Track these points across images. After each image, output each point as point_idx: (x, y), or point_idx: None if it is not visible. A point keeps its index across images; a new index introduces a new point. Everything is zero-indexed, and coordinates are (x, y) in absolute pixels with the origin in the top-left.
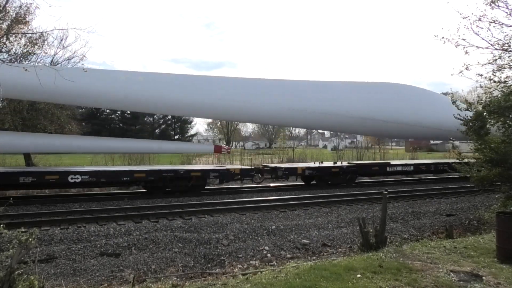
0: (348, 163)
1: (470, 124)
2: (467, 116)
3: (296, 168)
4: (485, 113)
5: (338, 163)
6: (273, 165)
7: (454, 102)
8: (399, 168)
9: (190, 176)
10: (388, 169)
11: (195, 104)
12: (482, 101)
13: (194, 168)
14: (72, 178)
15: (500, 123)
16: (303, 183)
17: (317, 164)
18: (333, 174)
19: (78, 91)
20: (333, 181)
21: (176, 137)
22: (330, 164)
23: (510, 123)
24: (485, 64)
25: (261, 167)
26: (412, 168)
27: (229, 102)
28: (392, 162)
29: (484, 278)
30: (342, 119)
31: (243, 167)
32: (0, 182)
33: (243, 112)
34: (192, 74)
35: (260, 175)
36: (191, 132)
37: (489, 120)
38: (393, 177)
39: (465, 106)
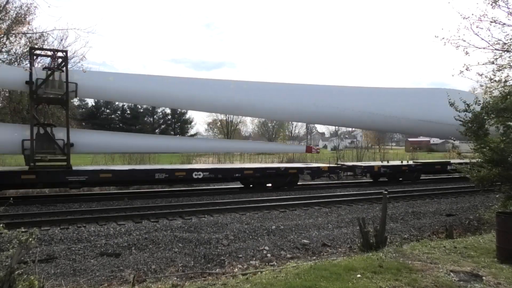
0: (414, 162)
1: (469, 124)
2: (466, 117)
3: (373, 166)
4: (483, 114)
5: (405, 162)
6: (351, 163)
7: (452, 104)
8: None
9: (288, 173)
10: (448, 167)
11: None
12: (479, 102)
13: (291, 166)
14: (195, 175)
15: (499, 123)
16: (372, 180)
17: (388, 163)
18: (403, 172)
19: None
20: (403, 178)
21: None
22: (400, 163)
23: (509, 123)
24: (486, 63)
25: (340, 165)
26: (469, 166)
27: (308, 107)
28: (452, 161)
29: (484, 278)
30: (406, 122)
31: (331, 165)
32: (140, 178)
33: (329, 116)
34: (286, 83)
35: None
36: (191, 132)
37: (488, 121)
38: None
39: (463, 107)
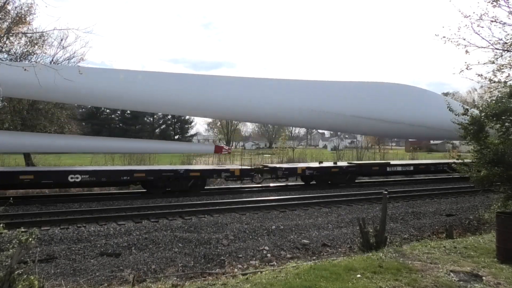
0: (348, 163)
1: (469, 128)
2: (465, 120)
3: (296, 168)
4: (482, 117)
5: (338, 163)
6: (272, 165)
7: (451, 110)
8: (399, 168)
9: (190, 176)
10: (388, 169)
11: (199, 103)
12: (478, 104)
13: (193, 168)
14: (72, 178)
15: (498, 125)
16: (303, 183)
17: (317, 165)
18: (333, 174)
19: (77, 90)
20: (333, 181)
21: (176, 137)
22: (330, 164)
23: (507, 124)
24: (486, 63)
25: (261, 167)
26: (412, 168)
27: (230, 102)
28: (392, 162)
29: (484, 278)
30: (342, 118)
31: (243, 167)
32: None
33: (246, 112)
34: (195, 73)
35: (260, 175)
36: (191, 132)
37: (487, 123)
38: (393, 177)
39: (461, 111)
